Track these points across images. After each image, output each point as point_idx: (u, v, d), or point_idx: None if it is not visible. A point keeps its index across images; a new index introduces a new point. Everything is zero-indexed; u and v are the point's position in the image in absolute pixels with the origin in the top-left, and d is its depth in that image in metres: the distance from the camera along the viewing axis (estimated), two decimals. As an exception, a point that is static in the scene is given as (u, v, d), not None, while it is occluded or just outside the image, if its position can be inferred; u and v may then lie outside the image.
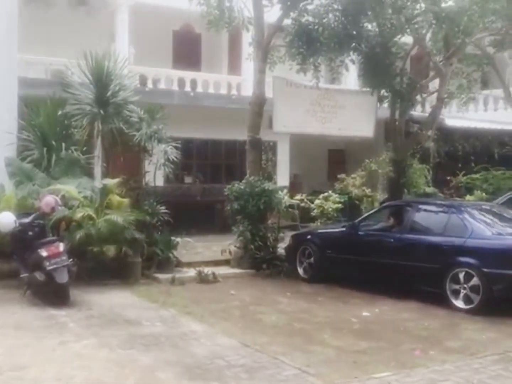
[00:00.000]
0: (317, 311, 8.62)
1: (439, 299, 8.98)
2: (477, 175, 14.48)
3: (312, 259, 10.68)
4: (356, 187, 13.21)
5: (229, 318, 8.15)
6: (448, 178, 14.97)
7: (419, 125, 13.62)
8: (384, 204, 10.54)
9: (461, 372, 6.11)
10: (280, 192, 11.66)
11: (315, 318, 8.21)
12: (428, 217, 9.61)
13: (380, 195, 13.49)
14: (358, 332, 7.58)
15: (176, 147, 11.79)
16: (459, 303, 8.72)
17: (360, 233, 10.10)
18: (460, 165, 17.37)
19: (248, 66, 18.44)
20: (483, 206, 9.64)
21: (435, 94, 13.67)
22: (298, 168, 18.76)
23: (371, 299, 9.43)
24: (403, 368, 6.23)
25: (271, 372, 6.00)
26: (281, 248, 11.79)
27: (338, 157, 20.98)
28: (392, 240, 9.58)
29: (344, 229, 10.42)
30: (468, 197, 13.59)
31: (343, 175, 13.38)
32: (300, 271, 10.95)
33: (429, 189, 13.46)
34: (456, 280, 8.78)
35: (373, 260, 9.79)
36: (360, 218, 10.30)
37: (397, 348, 6.97)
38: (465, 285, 8.66)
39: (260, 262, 11.34)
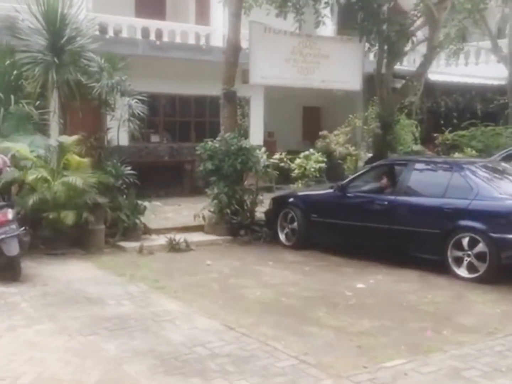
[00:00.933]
0: (306, 283, 7.64)
1: (439, 267, 8.10)
2: (464, 132, 13.59)
3: (295, 224, 9.68)
4: (340, 144, 12.18)
5: (207, 294, 7.11)
6: (435, 135, 14.05)
7: (404, 80, 12.64)
8: (377, 163, 9.55)
9: (484, 357, 5.21)
10: (258, 151, 10.57)
11: (305, 292, 7.23)
12: (426, 177, 8.64)
13: (364, 154, 12.52)
14: (356, 309, 6.63)
15: (141, 101, 10.57)
16: (462, 272, 7.85)
17: (349, 195, 9.11)
18: (442, 122, 16.49)
19: (218, 15, 17.19)
20: (487, 164, 8.71)
21: (420, 47, 12.70)
22: (271, 126, 17.66)
23: (363, 268, 8.50)
24: (416, 353, 5.30)
25: (263, 363, 5.00)
26: (260, 212, 10.77)
27: (313, 115, 19.93)
28: (386, 202, 8.61)
29: (331, 191, 9.40)
30: (456, 155, 12.73)
31: (325, 132, 12.33)
32: (282, 237, 9.95)
33: (416, 147, 12.53)
34: (459, 247, 7.88)
35: (365, 225, 8.84)
36: (349, 179, 9.30)
37: (403, 327, 6.05)
38: (470, 252, 7.77)
39: (238, 227, 10.31)
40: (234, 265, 8.68)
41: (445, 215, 8.04)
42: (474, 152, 12.76)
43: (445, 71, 16.90)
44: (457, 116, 16.95)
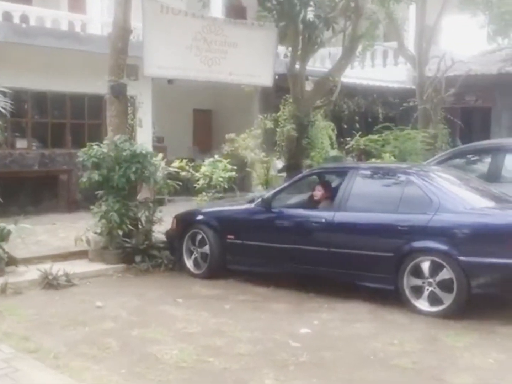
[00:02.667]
0: (234, 331, 5.78)
1: (390, 299, 6.59)
2: (377, 136, 12.43)
3: (206, 248, 7.79)
4: (250, 149, 10.48)
5: (102, 356, 5.06)
6: (347, 139, 12.77)
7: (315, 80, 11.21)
8: (308, 171, 7.92)
9: None
10: (155, 158, 8.60)
11: (238, 346, 5.36)
12: (372, 187, 7.09)
13: (278, 160, 10.90)
14: (313, 369, 4.88)
15: (3, 94, 8.25)
16: (422, 305, 6.35)
17: (275, 211, 7.36)
18: (345, 126, 15.33)
19: (95, 3, 14.99)
20: (443, 171, 7.32)
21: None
22: (159, 130, 15.62)
23: (299, 303, 6.79)
24: None
25: None
26: (159, 232, 8.78)
27: (204, 118, 18.13)
28: (323, 220, 6.96)
29: (251, 205, 7.63)
30: (373, 161, 11.46)
31: (232, 135, 10.58)
32: (189, 264, 8.01)
33: (333, 152, 11.11)
34: (418, 273, 6.40)
35: (297, 247, 7.15)
36: (275, 191, 7.55)
37: (388, 397, 4.39)
38: (431, 280, 6.29)
39: (132, 253, 8.25)
40: (134, 305, 6.64)
41: (399, 235, 6.52)
42: (392, 158, 11.59)
43: (349, 74, 15.74)
44: (359, 120, 15.89)
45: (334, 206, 7.01)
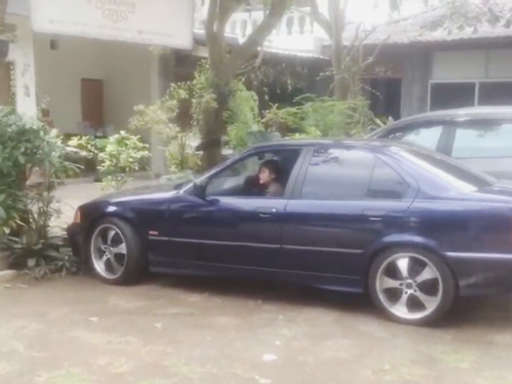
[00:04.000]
0: (178, 364, 4.31)
1: (357, 301, 5.45)
2: (295, 109, 11.24)
3: (122, 247, 6.23)
4: (164, 124, 8.82)
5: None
6: (266, 111, 11.45)
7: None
8: (250, 148, 6.46)
9: None
10: (50, 134, 6.87)
11: (191, 390, 3.97)
12: (333, 169, 5.81)
13: (194, 136, 9.35)
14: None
15: None
16: (399, 311, 5.23)
17: (210, 199, 5.93)
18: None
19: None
20: (414, 149, 6.17)
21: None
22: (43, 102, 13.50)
23: (247, 314, 5.46)
24: None
25: None
26: (57, 227, 7.09)
27: (94, 89, 16.11)
28: (273, 210, 5.62)
29: (179, 193, 6.13)
30: (297, 136, 10.26)
31: (140, 106, 8.86)
32: (99, 267, 6.41)
33: (255, 126, 9.73)
34: (393, 273, 5.26)
35: (238, 245, 5.79)
36: (209, 174, 6.06)
37: None
38: (411, 281, 5.18)
39: (23, 255, 6.53)
40: (33, 332, 5.00)
41: (370, 227, 5.33)
42: (318, 132, 10.45)
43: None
44: (268, 92, 14.64)
45: (286, 192, 5.69)
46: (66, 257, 6.65)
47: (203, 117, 8.92)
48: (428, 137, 8.17)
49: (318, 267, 5.54)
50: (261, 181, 6.13)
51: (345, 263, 5.43)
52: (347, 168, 5.73)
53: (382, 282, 5.29)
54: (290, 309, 5.54)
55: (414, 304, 5.19)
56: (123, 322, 5.24)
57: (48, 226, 7.02)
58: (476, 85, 16.39)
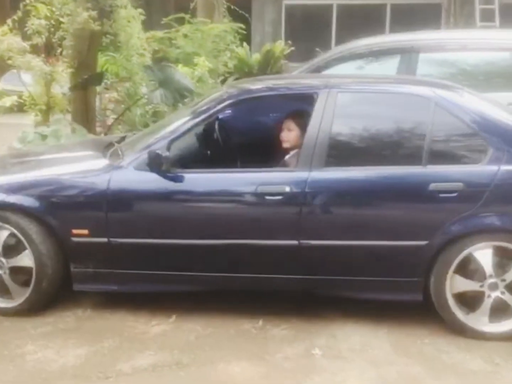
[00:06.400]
0: None
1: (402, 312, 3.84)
2: (162, 33, 8.82)
3: (25, 257, 3.81)
4: (19, 53, 5.87)
5: None
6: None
7: None
8: (235, 93, 4.09)
9: None
10: None
11: None
12: (373, 122, 3.83)
13: (64, 71, 6.53)
14: None
15: None
16: (479, 322, 3.69)
17: (178, 176, 3.75)
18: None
19: None
20: (470, 91, 4.39)
21: None
22: None
23: (255, 346, 3.53)
24: None
25: None
26: None
27: None
28: (287, 189, 3.65)
29: (121, 166, 3.83)
30: (181, 68, 7.91)
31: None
32: (-16, 289, 3.97)
33: (147, 58, 7.19)
34: (469, 271, 3.67)
35: (232, 244, 3.74)
36: (169, 137, 3.74)
37: None
38: (496, 280, 3.63)
39: None
40: None
41: (439, 206, 3.65)
42: (208, 64, 8.23)
43: None
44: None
45: (303, 161, 3.73)
46: None
47: (74, 43, 6.33)
48: (382, 68, 6.61)
49: (357, 270, 3.76)
50: (286, 144, 4.04)
51: (399, 261, 3.71)
52: (392, 120, 3.84)
53: (454, 284, 3.68)
54: (314, 331, 3.74)
55: (500, 312, 3.69)
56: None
57: None
58: (333, 7, 15.18)
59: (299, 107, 4.10)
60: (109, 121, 7.83)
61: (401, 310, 3.89)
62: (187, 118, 3.94)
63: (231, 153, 4.32)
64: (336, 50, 7.25)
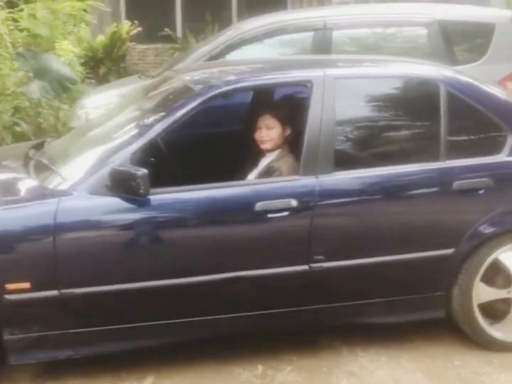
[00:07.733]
0: None
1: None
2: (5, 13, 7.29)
3: None
4: None
5: None
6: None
7: None
8: (216, 85, 2.98)
9: None
10: None
11: None
12: (378, 113, 3.15)
13: None
14: None
15: None
16: (509, 335, 3.27)
17: (155, 199, 2.80)
18: None
19: None
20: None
21: None
22: None
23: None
24: None
25: None
26: None
27: None
28: (292, 203, 2.88)
29: (71, 192, 2.77)
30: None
31: None
32: None
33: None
34: (494, 278, 3.23)
35: (227, 278, 2.89)
36: (138, 144, 2.72)
37: None
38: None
39: None
40: None
41: (467, 207, 3.15)
42: (72, 48, 6.91)
43: None
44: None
45: (306, 166, 2.98)
46: None
47: None
48: (292, 49, 5.98)
49: (378, 291, 3.13)
50: (266, 145, 3.19)
51: (423, 275, 3.16)
52: (401, 109, 3.23)
53: (480, 293, 3.22)
54: (327, 370, 3.08)
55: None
56: None
57: None
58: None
59: (278, 99, 3.34)
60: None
61: (407, 331, 3.36)
62: (152, 120, 2.97)
63: (212, 163, 3.43)
64: (239, 29, 6.42)
